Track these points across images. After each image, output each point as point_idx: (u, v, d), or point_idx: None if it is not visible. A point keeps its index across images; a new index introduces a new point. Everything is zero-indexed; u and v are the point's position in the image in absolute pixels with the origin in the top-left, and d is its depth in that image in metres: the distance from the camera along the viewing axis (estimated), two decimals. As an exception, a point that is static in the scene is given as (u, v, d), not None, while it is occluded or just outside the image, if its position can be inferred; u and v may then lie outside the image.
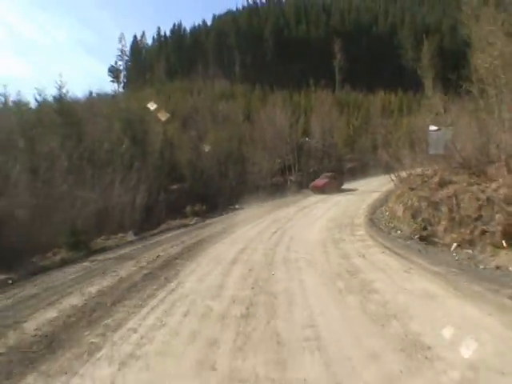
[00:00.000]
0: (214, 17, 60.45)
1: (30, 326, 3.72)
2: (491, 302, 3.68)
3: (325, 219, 11.07)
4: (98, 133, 17.33)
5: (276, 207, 14.94)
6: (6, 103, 19.38)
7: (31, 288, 5.70)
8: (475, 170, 9.97)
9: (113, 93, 47.39)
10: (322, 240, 7.79)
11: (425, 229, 8.38)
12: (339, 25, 48.59)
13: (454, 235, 7.29)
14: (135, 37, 62.89)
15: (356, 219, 10.72)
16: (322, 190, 18.74)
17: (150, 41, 65.11)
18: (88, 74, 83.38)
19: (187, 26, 63.18)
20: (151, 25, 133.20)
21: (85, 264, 7.35)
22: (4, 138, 12.02)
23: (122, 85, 60.95)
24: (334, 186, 19.28)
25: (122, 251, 8.45)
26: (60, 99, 20.53)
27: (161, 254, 7.26)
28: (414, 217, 9.15)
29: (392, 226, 9.65)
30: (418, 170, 12.31)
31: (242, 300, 4.06)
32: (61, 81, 18.02)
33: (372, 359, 2.61)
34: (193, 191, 17.01)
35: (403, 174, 12.48)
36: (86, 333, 3.40)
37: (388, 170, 14.78)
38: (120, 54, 60.41)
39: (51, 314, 4.03)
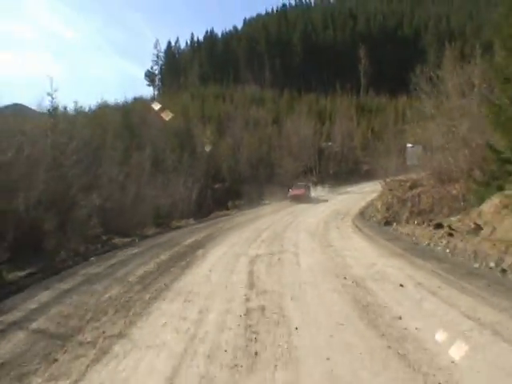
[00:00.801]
0: (244, 21, 66.65)
1: (183, 243, 9.80)
2: (377, 242, 9.11)
3: (328, 211, 16.60)
4: (155, 141, 23.66)
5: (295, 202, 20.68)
6: (76, 115, 26.05)
7: (162, 238, 11.81)
8: (443, 177, 15.10)
9: (150, 97, 54.92)
10: (319, 222, 13.33)
11: (394, 217, 13.65)
12: (365, 29, 52.86)
13: (411, 222, 12.56)
14: (169, 42, 70.23)
15: (351, 211, 16.09)
16: (299, 199, 21.75)
17: (183, 45, 72.23)
18: (121, 74, 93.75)
19: (219, 31, 69.85)
20: (185, 30, 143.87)
21: (178, 232, 13.46)
22: (99, 148, 18.58)
23: (157, 87, 68.63)
24: (307, 195, 23.00)
25: (196, 226, 14.59)
26: (125, 113, 27.48)
27: (222, 227, 13.28)
28: (387, 209, 14.45)
29: (372, 215, 14.85)
30: (400, 176, 17.57)
31: (268, 239, 9.91)
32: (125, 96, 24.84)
33: (312, 249, 8.30)
34: (232, 189, 23.14)
35: (388, 179, 17.74)
36: (209, 244, 9.40)
37: (395, 174, 19.70)
38: (156, 59, 68.16)
39: (188, 241, 10.14)
